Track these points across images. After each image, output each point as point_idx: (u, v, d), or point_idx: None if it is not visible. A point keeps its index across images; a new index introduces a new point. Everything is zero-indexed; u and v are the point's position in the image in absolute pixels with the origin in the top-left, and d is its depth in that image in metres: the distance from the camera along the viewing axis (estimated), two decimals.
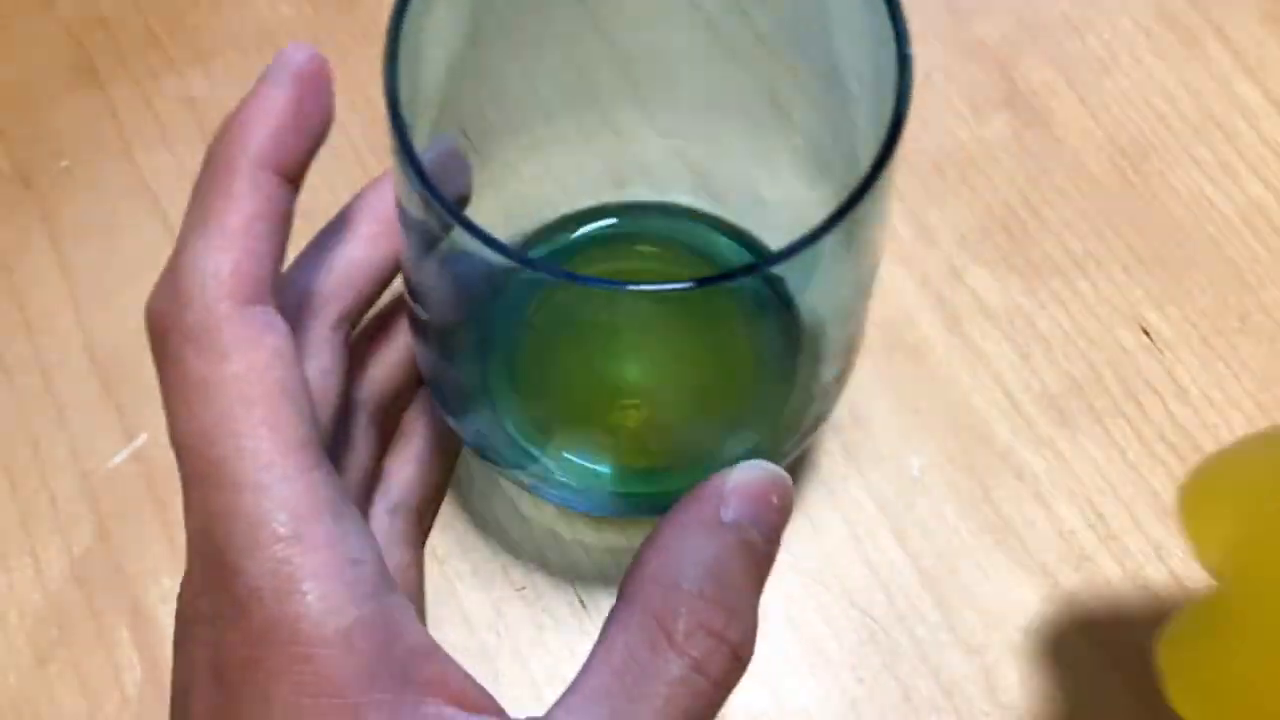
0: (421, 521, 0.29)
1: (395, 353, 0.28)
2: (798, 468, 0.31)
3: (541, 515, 0.31)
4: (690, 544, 0.20)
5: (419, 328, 0.25)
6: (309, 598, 0.19)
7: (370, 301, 0.26)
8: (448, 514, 0.31)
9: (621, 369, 0.29)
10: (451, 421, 0.26)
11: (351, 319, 0.25)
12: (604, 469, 0.28)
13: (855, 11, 0.21)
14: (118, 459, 0.31)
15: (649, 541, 0.21)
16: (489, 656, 0.29)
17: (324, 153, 0.35)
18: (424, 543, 0.29)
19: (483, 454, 0.27)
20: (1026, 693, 0.29)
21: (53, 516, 0.31)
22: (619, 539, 0.30)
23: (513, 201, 0.30)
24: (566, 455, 0.28)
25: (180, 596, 0.20)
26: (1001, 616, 0.30)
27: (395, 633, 0.20)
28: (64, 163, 0.35)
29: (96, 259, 0.34)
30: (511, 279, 0.20)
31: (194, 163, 0.23)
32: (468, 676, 0.21)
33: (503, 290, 0.24)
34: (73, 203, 0.34)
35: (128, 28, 0.37)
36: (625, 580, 0.21)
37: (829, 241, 0.19)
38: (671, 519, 0.21)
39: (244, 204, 0.21)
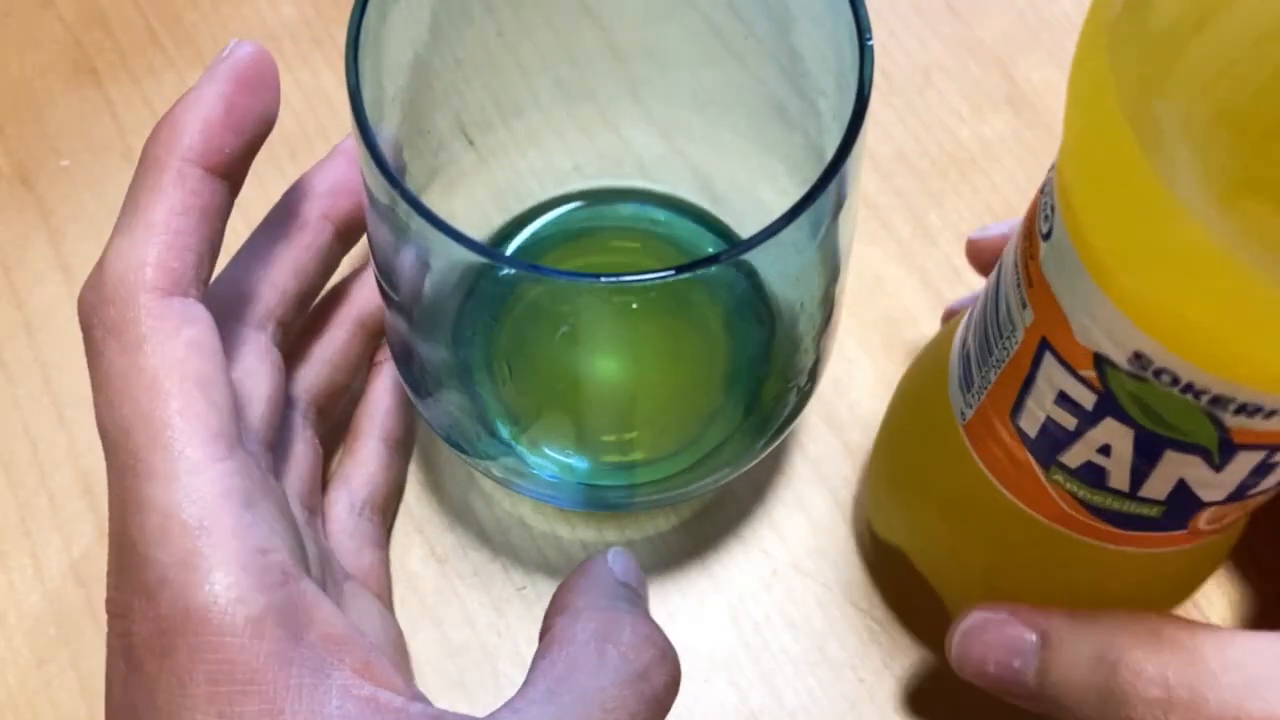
0: (385, 522, 0.29)
1: (326, 349, 0.28)
2: (798, 466, 0.31)
3: (542, 516, 0.31)
4: (604, 586, 0.22)
5: (392, 318, 0.25)
6: (217, 587, 0.19)
7: (301, 298, 0.26)
8: (450, 516, 0.31)
9: (596, 361, 0.29)
10: (422, 410, 0.26)
11: (278, 317, 0.26)
12: (579, 462, 0.28)
13: (820, 5, 0.21)
14: None
15: (559, 591, 0.23)
16: (490, 656, 0.29)
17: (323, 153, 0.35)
18: (387, 540, 0.29)
19: (454, 445, 0.27)
20: None
21: (52, 516, 0.31)
22: (619, 539, 0.30)
23: (505, 190, 0.30)
24: (542, 448, 0.28)
25: (106, 592, 0.21)
26: None
27: (308, 619, 0.20)
28: (63, 161, 0.35)
29: (95, 258, 0.34)
30: (483, 272, 0.20)
31: None
32: (385, 662, 0.21)
33: (476, 281, 0.24)
34: (72, 201, 0.34)
35: (127, 26, 0.37)
36: (547, 620, 0.22)
37: (796, 229, 0.19)
38: (575, 577, 0.23)
39: (167, 198, 0.21)
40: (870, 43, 0.20)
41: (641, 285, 0.18)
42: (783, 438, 0.27)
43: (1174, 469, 0.20)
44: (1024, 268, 0.20)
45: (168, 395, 0.20)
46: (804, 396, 0.26)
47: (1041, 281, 0.20)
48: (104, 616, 0.29)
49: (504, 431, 0.28)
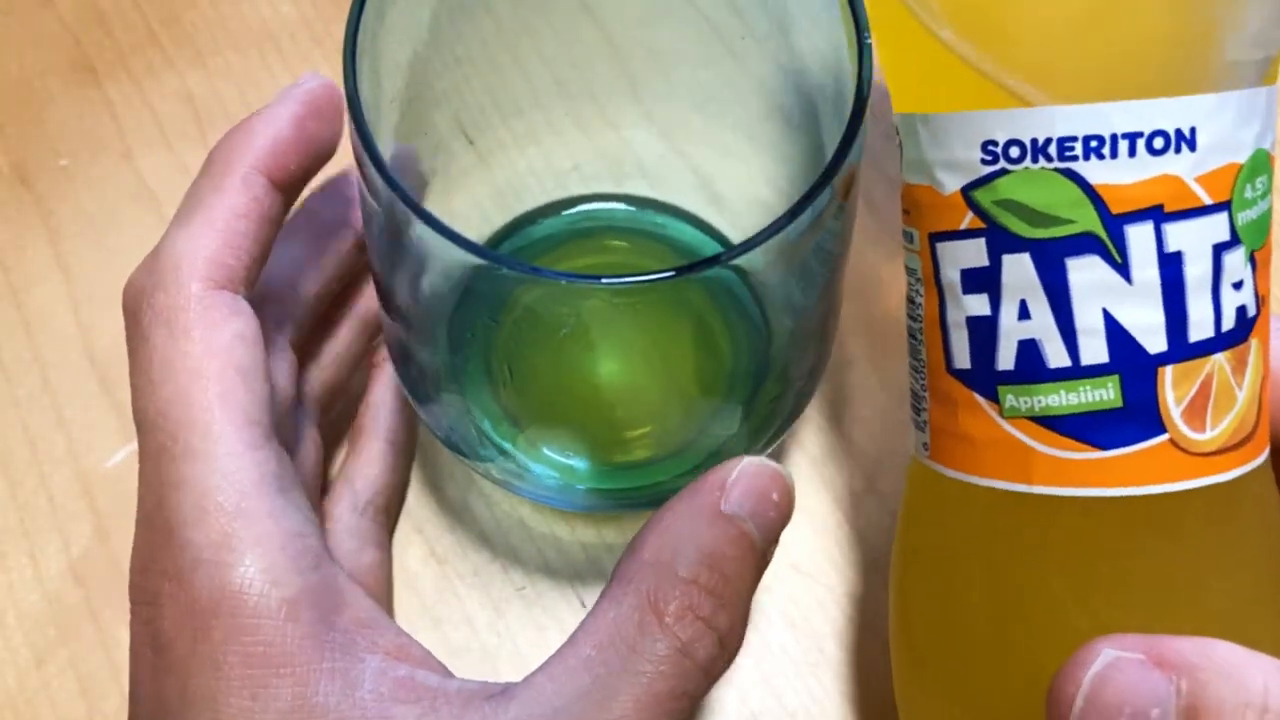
0: (388, 522, 0.29)
1: (333, 349, 0.29)
2: (797, 466, 0.31)
3: (542, 517, 0.31)
4: (687, 531, 0.20)
5: (390, 321, 0.25)
6: (252, 570, 0.19)
7: (319, 301, 0.27)
8: (450, 516, 0.31)
9: (595, 363, 0.29)
10: (421, 413, 0.26)
11: (296, 319, 0.26)
12: (579, 464, 0.28)
13: (819, 4, 0.21)
14: (116, 458, 0.31)
15: (647, 526, 0.21)
16: (490, 656, 0.29)
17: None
18: (390, 541, 0.30)
19: (453, 447, 0.27)
20: None
21: (51, 516, 0.31)
22: (620, 539, 0.30)
23: (504, 190, 0.30)
24: (542, 450, 0.28)
25: (130, 578, 0.21)
26: None
27: (340, 603, 0.20)
28: (62, 161, 0.35)
29: (95, 257, 0.34)
30: (482, 273, 0.20)
31: (193, 161, 0.23)
32: (419, 645, 0.21)
33: (475, 282, 0.24)
34: (71, 201, 0.34)
35: (126, 26, 0.37)
36: (620, 562, 0.21)
37: (795, 229, 0.19)
38: (671, 506, 0.21)
39: (231, 199, 0.22)
40: (869, 41, 0.20)
41: (642, 286, 0.18)
42: (783, 438, 0.27)
43: (1088, 294, 0.20)
44: (903, 216, 0.22)
45: (210, 381, 0.20)
46: (804, 397, 0.26)
47: (910, 194, 0.21)
48: (103, 617, 0.29)
49: (504, 434, 0.28)
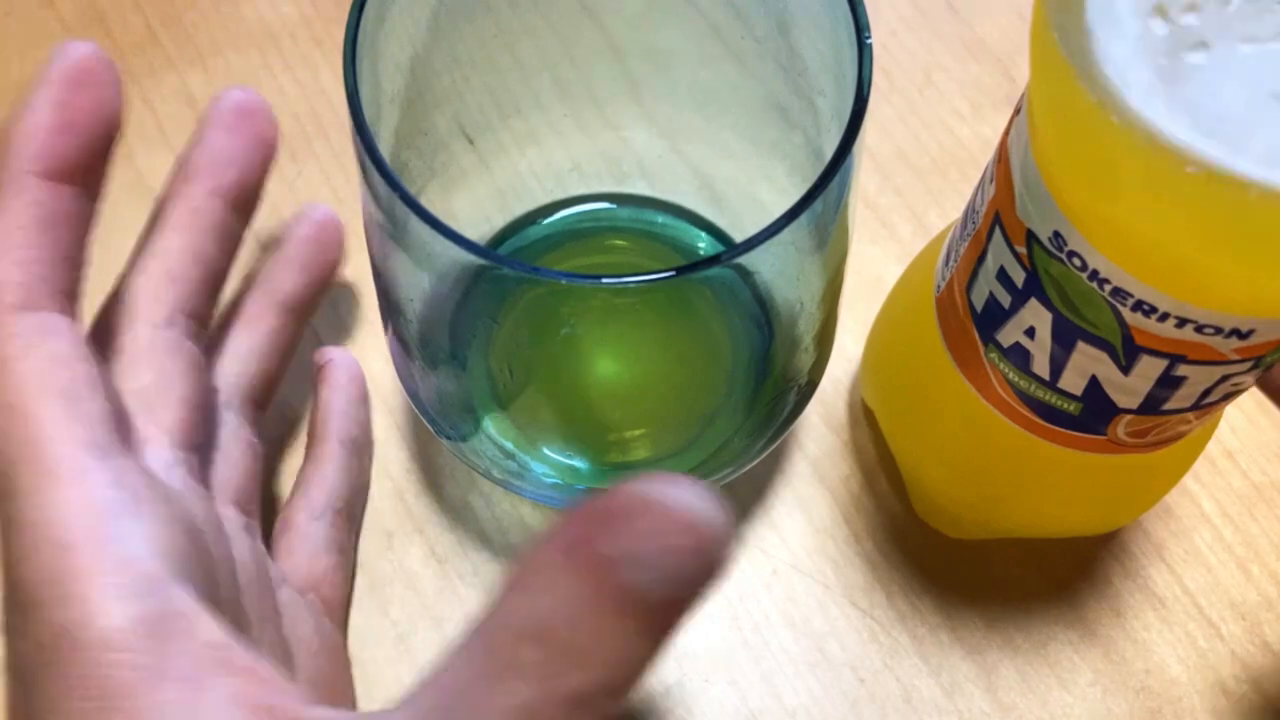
0: (350, 524, 0.29)
1: (249, 339, 0.28)
2: (798, 465, 0.31)
3: (542, 516, 0.31)
4: (552, 575, 0.17)
5: (390, 321, 0.25)
6: (82, 602, 0.18)
7: (207, 284, 0.26)
8: (450, 516, 0.31)
9: (595, 363, 0.29)
10: (421, 413, 0.26)
11: (186, 310, 0.25)
12: (579, 464, 0.28)
13: (819, 5, 0.21)
14: None
15: (517, 561, 0.18)
16: None
17: (330, 156, 0.35)
18: (355, 544, 0.29)
19: (453, 446, 0.27)
20: (1026, 692, 0.29)
21: None
22: None
23: (505, 190, 0.30)
24: (542, 450, 0.28)
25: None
26: (1002, 616, 0.30)
27: (183, 629, 0.19)
28: None
29: (95, 257, 0.33)
30: (482, 273, 0.20)
31: None
32: (267, 667, 0.20)
33: (476, 283, 0.24)
34: None
35: (127, 26, 0.37)
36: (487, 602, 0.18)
37: (795, 229, 0.19)
38: (548, 539, 0.17)
39: (7, 213, 0.21)
40: (869, 42, 0.20)
41: (642, 286, 0.18)
42: (783, 438, 0.27)
43: (1086, 362, 0.21)
44: (1000, 143, 0.22)
45: (28, 414, 0.19)
46: (804, 396, 0.26)
47: (1005, 156, 0.21)
48: None
49: (504, 433, 0.28)
